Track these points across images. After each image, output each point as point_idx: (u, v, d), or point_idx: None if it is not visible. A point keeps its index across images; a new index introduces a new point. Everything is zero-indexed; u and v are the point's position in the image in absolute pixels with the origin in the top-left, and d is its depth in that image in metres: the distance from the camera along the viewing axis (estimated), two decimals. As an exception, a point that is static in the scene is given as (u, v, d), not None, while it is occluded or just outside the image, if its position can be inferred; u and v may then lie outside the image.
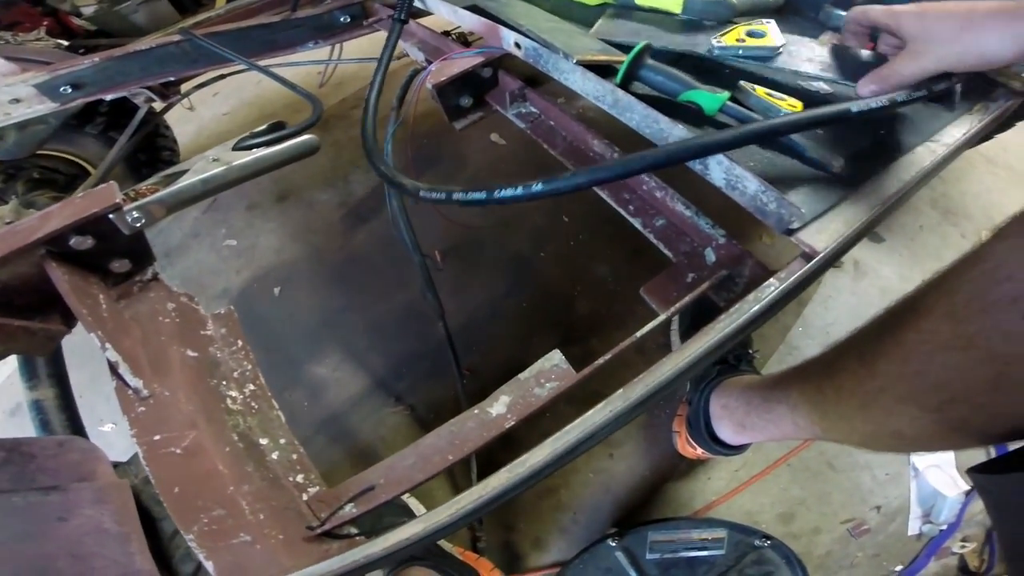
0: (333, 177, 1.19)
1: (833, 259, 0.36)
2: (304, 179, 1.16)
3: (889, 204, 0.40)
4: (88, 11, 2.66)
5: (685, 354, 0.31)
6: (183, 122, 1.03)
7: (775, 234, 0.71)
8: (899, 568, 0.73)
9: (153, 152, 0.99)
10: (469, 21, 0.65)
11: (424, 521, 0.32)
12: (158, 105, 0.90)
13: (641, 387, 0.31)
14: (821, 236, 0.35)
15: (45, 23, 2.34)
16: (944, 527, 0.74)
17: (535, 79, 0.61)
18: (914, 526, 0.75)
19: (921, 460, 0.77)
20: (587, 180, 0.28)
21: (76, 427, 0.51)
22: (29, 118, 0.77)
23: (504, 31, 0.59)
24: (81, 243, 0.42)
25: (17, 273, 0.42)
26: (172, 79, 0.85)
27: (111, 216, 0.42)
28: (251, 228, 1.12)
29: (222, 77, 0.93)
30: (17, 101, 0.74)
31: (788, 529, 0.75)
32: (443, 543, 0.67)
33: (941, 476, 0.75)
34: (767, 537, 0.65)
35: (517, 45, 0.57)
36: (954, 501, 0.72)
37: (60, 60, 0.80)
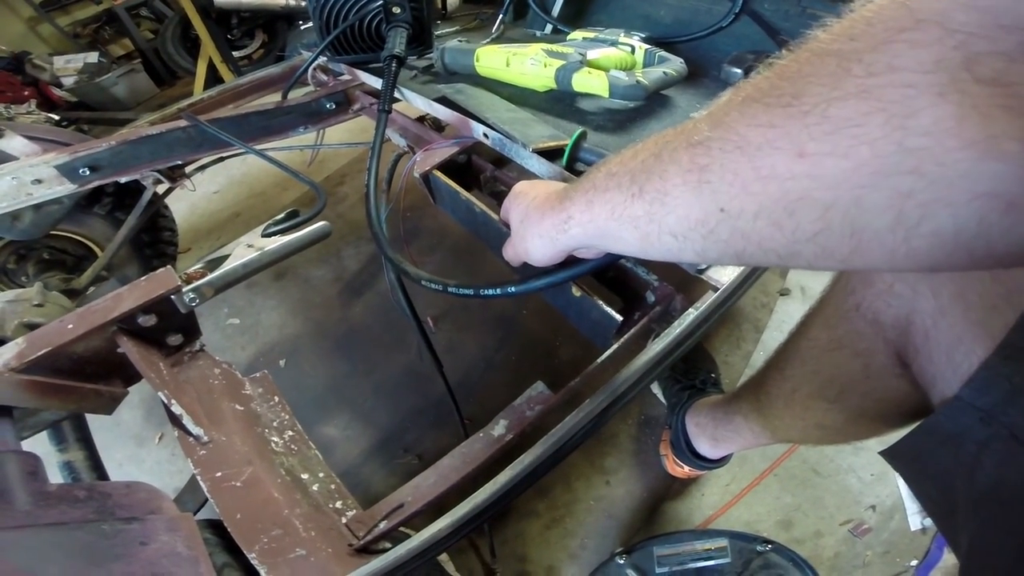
0: (326, 254, 1.36)
1: (738, 289, 0.52)
2: (299, 257, 1.29)
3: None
4: (68, 82, 2.92)
5: (632, 367, 0.46)
6: (176, 200, 1.17)
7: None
8: (914, 563, 0.77)
9: (155, 232, 1.11)
10: (443, 113, 0.80)
11: (449, 516, 0.45)
12: (161, 187, 1.00)
13: (603, 393, 0.46)
14: (724, 272, 0.52)
15: (27, 92, 2.52)
16: (943, 518, 0.81)
17: (501, 160, 0.78)
18: (914, 521, 0.79)
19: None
20: (543, 283, 0.43)
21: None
22: (48, 199, 0.84)
23: (474, 124, 0.74)
24: (147, 320, 0.56)
25: (91, 346, 0.55)
26: (179, 163, 0.95)
27: (172, 297, 0.56)
28: (252, 307, 1.27)
29: (221, 159, 1.07)
30: (39, 182, 0.83)
31: (790, 535, 0.81)
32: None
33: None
34: (768, 541, 0.72)
35: (486, 135, 0.73)
36: (944, 492, 0.80)
37: (77, 142, 0.89)
